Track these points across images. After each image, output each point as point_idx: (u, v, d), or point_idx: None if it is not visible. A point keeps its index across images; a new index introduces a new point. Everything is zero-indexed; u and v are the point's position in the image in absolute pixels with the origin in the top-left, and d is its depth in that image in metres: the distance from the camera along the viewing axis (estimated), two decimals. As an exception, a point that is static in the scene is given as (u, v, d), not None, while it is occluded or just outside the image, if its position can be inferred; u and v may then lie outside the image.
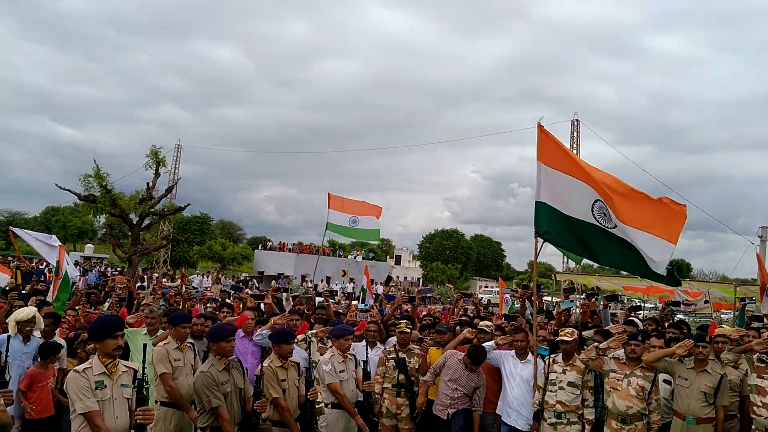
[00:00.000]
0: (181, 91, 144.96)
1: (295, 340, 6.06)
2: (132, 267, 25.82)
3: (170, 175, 43.47)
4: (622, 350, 6.29)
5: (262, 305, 9.88)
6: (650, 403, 5.99)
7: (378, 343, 7.75)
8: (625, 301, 26.02)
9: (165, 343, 6.01)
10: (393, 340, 7.69)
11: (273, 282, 34.90)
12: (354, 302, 14.64)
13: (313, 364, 6.15)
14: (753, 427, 5.82)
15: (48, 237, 10.15)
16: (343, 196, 13.90)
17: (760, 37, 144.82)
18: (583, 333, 7.67)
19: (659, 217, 6.38)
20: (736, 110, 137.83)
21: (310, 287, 23.67)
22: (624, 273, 13.68)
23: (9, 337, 6.29)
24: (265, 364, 5.51)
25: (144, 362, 4.38)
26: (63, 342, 6.97)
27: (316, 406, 5.76)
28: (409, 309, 10.28)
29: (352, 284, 41.00)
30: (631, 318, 10.06)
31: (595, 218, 6.55)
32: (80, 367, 4.30)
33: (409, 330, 7.37)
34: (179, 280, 16.47)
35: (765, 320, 12.00)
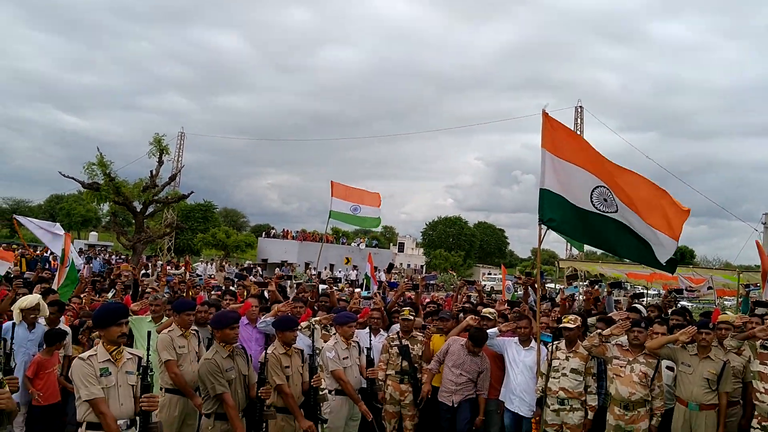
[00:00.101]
0: (183, 79, 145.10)
1: (299, 328, 6.07)
2: (136, 255, 25.90)
3: (173, 163, 43.53)
4: (625, 337, 6.29)
5: (265, 293, 9.91)
6: (653, 390, 6.01)
7: (381, 330, 7.77)
8: (629, 288, 26.03)
9: (169, 330, 6.04)
10: (396, 327, 7.71)
11: (276, 269, 35.06)
12: (357, 290, 14.68)
13: (317, 351, 6.17)
14: (756, 413, 5.82)
15: (52, 225, 10.15)
16: (345, 185, 13.92)
17: (765, 23, 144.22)
18: (588, 320, 7.68)
19: (662, 211, 6.44)
20: (740, 96, 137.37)
21: (314, 274, 23.72)
22: (627, 260, 13.66)
23: (14, 324, 6.30)
24: (269, 351, 5.53)
25: (148, 349, 4.40)
26: (68, 329, 7.00)
27: (320, 393, 5.78)
28: (413, 296, 10.30)
29: (355, 272, 41.13)
30: (634, 305, 10.06)
31: (594, 205, 6.57)
32: (85, 355, 4.31)
33: (412, 317, 7.39)
34: (183, 268, 16.54)
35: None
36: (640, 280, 20.77)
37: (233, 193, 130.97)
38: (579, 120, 40.80)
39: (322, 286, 14.61)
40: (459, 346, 6.90)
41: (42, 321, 6.76)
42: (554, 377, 6.35)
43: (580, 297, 10.51)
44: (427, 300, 10.75)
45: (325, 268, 42.48)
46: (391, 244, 71.31)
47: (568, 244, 36.70)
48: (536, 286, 7.85)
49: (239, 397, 5.09)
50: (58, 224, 10.24)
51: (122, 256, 33.37)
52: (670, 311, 9.80)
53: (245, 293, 10.11)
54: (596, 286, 10.68)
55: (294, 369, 5.61)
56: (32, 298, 6.61)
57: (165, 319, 6.98)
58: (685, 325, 6.66)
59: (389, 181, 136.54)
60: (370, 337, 7.07)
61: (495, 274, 55.13)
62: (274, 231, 55.74)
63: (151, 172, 26.92)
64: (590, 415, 6.24)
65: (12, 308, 6.66)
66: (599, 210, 6.57)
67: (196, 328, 6.35)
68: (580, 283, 19.80)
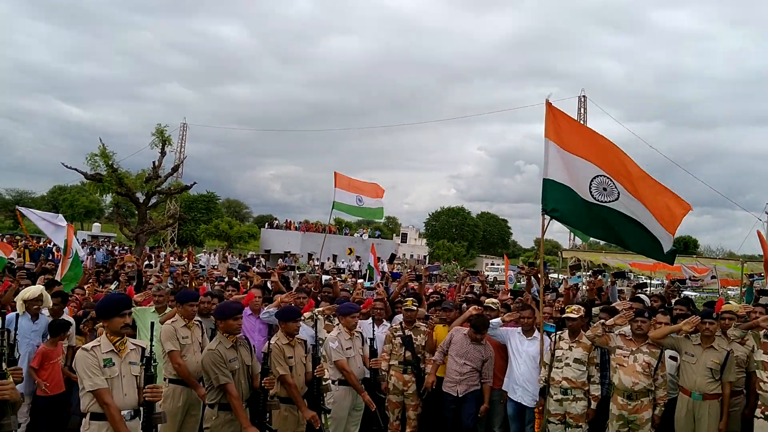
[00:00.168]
0: (186, 69, 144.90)
1: (302, 318, 6.07)
2: (139, 246, 25.94)
3: (176, 154, 43.46)
4: (629, 327, 6.28)
5: (268, 284, 9.92)
6: (656, 380, 6.01)
7: (384, 320, 7.78)
8: (632, 277, 26.02)
9: (173, 321, 6.04)
10: (399, 317, 7.71)
11: (279, 260, 35.10)
12: (360, 280, 14.69)
13: (320, 342, 6.18)
14: (759, 402, 5.82)
15: (54, 216, 10.16)
16: (349, 176, 13.90)
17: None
18: (592, 310, 7.68)
19: (664, 203, 6.45)
20: (744, 85, 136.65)
21: (317, 265, 23.74)
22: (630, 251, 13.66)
23: (17, 315, 6.33)
24: (272, 341, 5.53)
25: (152, 340, 4.40)
26: (71, 320, 7.02)
27: (323, 383, 5.79)
28: (416, 287, 10.30)
29: (358, 262, 41.16)
30: (638, 295, 10.05)
31: (592, 195, 6.58)
32: (88, 345, 4.33)
33: (415, 308, 7.39)
34: (186, 259, 16.56)
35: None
36: (644, 270, 20.75)
37: (236, 184, 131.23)
38: (582, 110, 40.69)
39: (325, 277, 14.62)
40: (462, 335, 6.91)
41: (45, 312, 6.78)
42: (557, 367, 6.35)
43: (584, 287, 10.51)
44: (430, 290, 10.74)
45: (328, 259, 42.54)
46: (394, 235, 71.31)
47: (572, 235, 36.70)
48: (540, 276, 7.83)
49: (243, 388, 5.10)
50: (60, 215, 10.25)
51: (125, 247, 33.46)
52: (673, 301, 9.80)
53: (248, 284, 10.12)
54: (599, 276, 10.68)
55: (297, 359, 5.62)
56: (35, 289, 6.62)
57: (168, 309, 6.99)
58: (688, 314, 6.66)
59: (392, 171, 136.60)
60: (373, 327, 7.08)
61: (498, 265, 55.18)
62: (276, 222, 55.76)
63: (154, 163, 26.93)
64: (593, 404, 6.24)
65: (15, 299, 6.67)
66: (598, 201, 6.58)
67: (199, 318, 6.36)
68: (583, 273, 19.79)
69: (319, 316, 6.91)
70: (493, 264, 58.93)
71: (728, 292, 20.09)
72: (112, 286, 10.16)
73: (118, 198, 27.10)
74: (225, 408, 4.99)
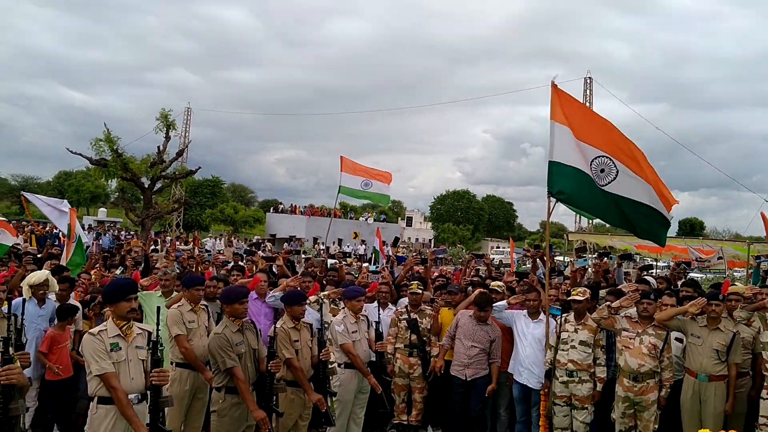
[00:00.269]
0: (190, 54, 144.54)
1: (307, 302, 6.08)
2: (145, 231, 26.02)
3: (180, 139, 43.40)
4: (635, 309, 6.27)
5: (274, 267, 9.93)
6: (662, 361, 6.00)
7: (389, 304, 7.79)
8: (638, 260, 25.98)
9: (179, 306, 6.06)
10: (404, 301, 7.72)
11: (285, 244, 35.15)
12: (365, 264, 14.70)
13: (326, 325, 6.19)
14: (765, 383, 5.81)
15: (59, 202, 10.14)
16: (355, 162, 13.85)
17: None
18: (600, 292, 7.67)
19: (661, 187, 6.51)
20: (751, 66, 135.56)
21: (322, 249, 23.78)
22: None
23: (24, 300, 6.35)
24: (278, 325, 5.55)
25: (158, 324, 4.42)
26: (78, 304, 7.05)
27: (329, 366, 5.81)
28: (421, 270, 10.29)
29: (363, 246, 41.20)
30: (644, 277, 10.03)
31: (592, 173, 6.58)
32: (95, 330, 4.34)
33: (420, 291, 7.40)
34: (192, 244, 16.58)
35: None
36: (652, 252, 20.71)
37: (241, 168, 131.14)
38: (588, 91, 40.31)
39: (330, 261, 14.64)
40: (468, 317, 6.92)
41: (52, 297, 6.81)
42: (563, 349, 6.35)
43: (590, 269, 10.48)
44: (436, 274, 10.72)
45: (333, 243, 42.56)
46: (399, 219, 71.30)
47: (578, 217, 36.63)
48: (545, 259, 7.82)
49: (249, 371, 5.12)
50: (65, 201, 10.23)
51: (131, 233, 33.52)
52: (679, 283, 9.78)
53: (254, 268, 10.13)
54: (605, 259, 10.65)
55: (303, 343, 5.64)
56: (41, 274, 6.65)
57: (175, 294, 7.01)
58: (694, 296, 6.64)
59: (397, 154, 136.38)
60: (379, 310, 7.09)
61: (503, 248, 55.15)
62: (282, 206, 55.74)
63: (159, 147, 26.94)
64: (599, 386, 6.26)
65: (21, 285, 6.70)
66: (597, 184, 6.58)
67: (205, 303, 6.37)
68: (589, 255, 19.77)
69: (325, 300, 6.92)
70: (498, 247, 58.84)
71: (734, 273, 20.05)
72: (118, 271, 10.17)
73: (123, 183, 27.13)
74: (232, 391, 5.02)
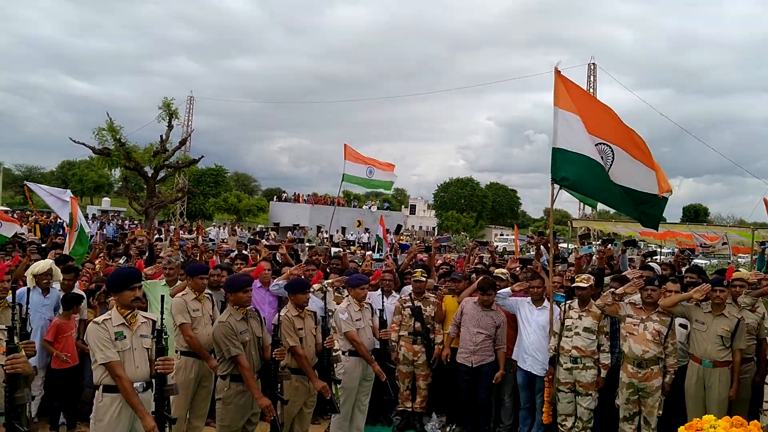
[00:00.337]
0: (192, 42, 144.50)
1: (311, 290, 6.08)
2: (149, 220, 26.08)
3: (183, 128, 43.33)
4: (639, 295, 6.27)
5: (277, 256, 9.94)
6: (666, 348, 6.00)
7: (393, 291, 7.79)
8: (642, 246, 25.96)
9: (183, 294, 6.06)
10: (408, 288, 7.72)
11: (288, 233, 35.19)
12: (369, 252, 14.70)
13: (330, 313, 6.20)
14: (769, 369, 5.82)
15: (62, 192, 10.13)
16: (358, 152, 13.82)
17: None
18: (604, 279, 7.66)
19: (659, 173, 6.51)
20: (756, 51, 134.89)
21: (326, 237, 23.80)
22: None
23: (29, 290, 6.38)
24: (282, 313, 5.55)
25: (162, 313, 4.42)
26: (83, 293, 7.07)
27: (333, 354, 5.83)
28: (425, 258, 10.29)
29: (367, 234, 41.20)
30: (648, 263, 10.01)
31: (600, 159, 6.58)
32: (100, 319, 4.35)
33: (424, 278, 7.40)
34: (196, 233, 16.60)
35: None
36: (657, 239, 20.69)
37: (244, 157, 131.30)
38: (592, 78, 40.05)
39: (334, 249, 14.65)
40: (472, 304, 6.93)
41: (56, 286, 6.83)
42: (567, 336, 6.35)
43: (594, 256, 10.47)
44: (440, 262, 10.73)
45: (337, 231, 42.60)
46: (403, 207, 71.24)
47: (581, 204, 36.52)
48: (549, 245, 7.81)
49: (254, 359, 5.14)
50: (68, 191, 10.23)
51: (135, 222, 33.59)
52: (683, 269, 9.76)
53: (257, 257, 10.14)
54: (609, 245, 10.63)
55: (307, 331, 5.65)
56: (44, 264, 6.67)
57: (179, 282, 7.02)
58: (699, 283, 6.63)
59: (400, 142, 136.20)
60: (383, 298, 7.09)
61: (507, 235, 55.16)
62: (285, 195, 55.69)
63: (161, 136, 26.95)
64: (603, 373, 6.26)
65: (25, 274, 6.72)
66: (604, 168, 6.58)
67: (209, 291, 6.38)
68: (593, 242, 19.73)
69: (329, 288, 6.93)
70: (502, 234, 58.90)
71: (739, 259, 20.02)
72: (122, 260, 10.19)
73: (127, 172, 27.17)
74: (237, 379, 5.03)
